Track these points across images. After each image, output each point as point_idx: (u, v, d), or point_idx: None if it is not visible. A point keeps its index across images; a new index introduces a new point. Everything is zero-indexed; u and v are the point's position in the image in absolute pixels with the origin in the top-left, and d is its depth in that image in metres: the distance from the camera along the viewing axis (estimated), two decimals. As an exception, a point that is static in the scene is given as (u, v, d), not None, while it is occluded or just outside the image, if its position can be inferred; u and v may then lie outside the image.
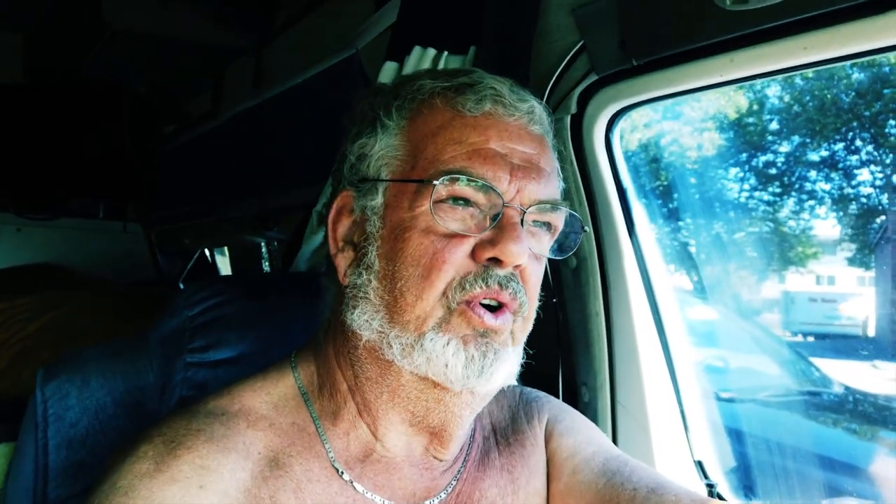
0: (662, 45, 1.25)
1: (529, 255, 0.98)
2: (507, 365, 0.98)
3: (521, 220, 0.96)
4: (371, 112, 1.05)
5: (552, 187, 1.03)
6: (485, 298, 0.95)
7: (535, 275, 1.01)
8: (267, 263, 4.16)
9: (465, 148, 0.97)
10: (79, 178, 3.66)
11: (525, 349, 1.06)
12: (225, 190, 3.10)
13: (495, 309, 0.96)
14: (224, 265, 4.65)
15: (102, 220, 4.08)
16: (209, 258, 4.57)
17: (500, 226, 0.95)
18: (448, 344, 0.93)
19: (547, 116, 1.06)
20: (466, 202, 0.96)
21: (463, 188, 0.95)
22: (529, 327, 1.03)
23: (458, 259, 0.94)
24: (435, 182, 0.94)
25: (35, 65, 3.75)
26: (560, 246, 1.09)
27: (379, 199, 1.01)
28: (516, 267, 0.97)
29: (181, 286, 4.02)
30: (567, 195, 1.39)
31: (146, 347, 1.39)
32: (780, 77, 1.18)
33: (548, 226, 1.04)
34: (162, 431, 0.92)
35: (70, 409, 1.29)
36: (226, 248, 4.53)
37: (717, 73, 1.22)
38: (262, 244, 4.06)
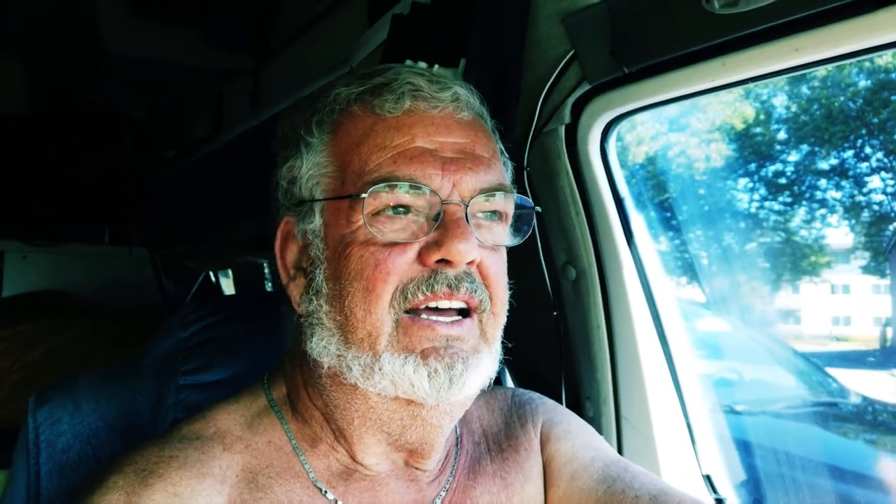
0: (653, 52, 1.23)
1: (483, 248, 0.94)
2: (482, 369, 0.94)
3: (466, 215, 0.92)
4: (293, 132, 1.01)
5: (494, 172, 0.98)
6: (431, 303, 0.91)
7: (494, 266, 0.97)
8: (270, 284, 4.16)
9: (389, 152, 0.93)
10: (81, 203, 3.69)
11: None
12: (227, 211, 3.10)
13: (466, 313, 0.93)
14: (228, 287, 4.65)
15: (108, 246, 4.09)
16: (213, 280, 4.58)
17: (442, 225, 0.91)
18: (406, 363, 0.90)
19: (474, 97, 1.02)
20: (405, 209, 0.93)
21: (394, 195, 0.91)
22: (501, 322, 0.99)
23: (401, 267, 0.91)
24: (363, 195, 0.91)
25: (37, 93, 3.79)
26: (515, 229, 1.04)
27: (317, 221, 0.97)
28: (469, 263, 0.93)
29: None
30: (523, 184, 1.31)
31: (140, 371, 1.38)
32: (780, 83, 1.17)
33: (498, 214, 0.99)
34: (133, 460, 0.90)
35: (62, 434, 1.27)
36: (229, 270, 4.54)
37: (708, 78, 1.20)
38: (265, 264, 4.07)
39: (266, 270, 4.13)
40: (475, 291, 0.92)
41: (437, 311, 0.92)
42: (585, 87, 1.39)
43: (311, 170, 0.98)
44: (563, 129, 1.47)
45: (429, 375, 0.89)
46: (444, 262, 0.91)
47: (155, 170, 3.73)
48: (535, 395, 1.23)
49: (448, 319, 0.92)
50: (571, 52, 1.38)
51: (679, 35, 1.17)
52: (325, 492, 0.96)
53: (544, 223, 1.57)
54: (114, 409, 1.32)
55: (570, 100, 1.42)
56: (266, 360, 1.22)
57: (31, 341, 2.32)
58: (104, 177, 3.65)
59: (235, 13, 2.44)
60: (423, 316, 0.91)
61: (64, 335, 2.35)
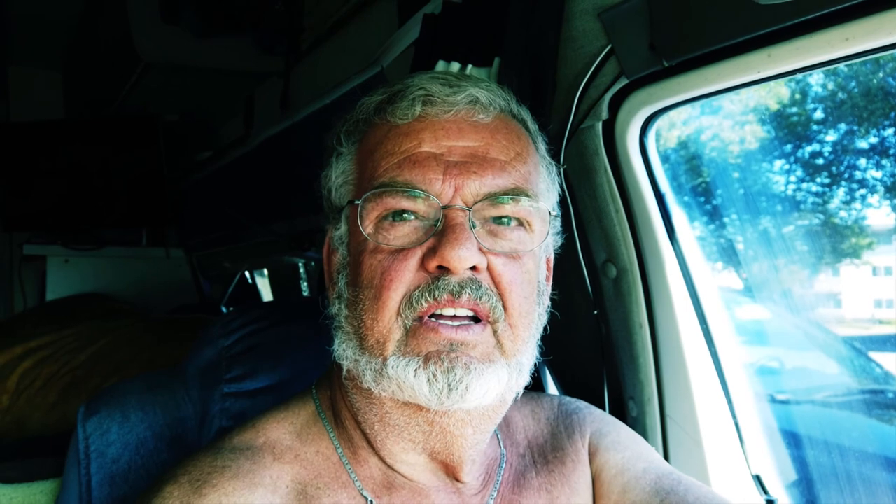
0: (694, 45, 1.20)
1: (493, 254, 0.92)
2: (491, 379, 0.90)
3: (470, 220, 0.90)
4: (330, 143, 1.04)
5: (508, 176, 0.94)
6: (437, 310, 0.89)
7: (509, 274, 0.93)
8: (306, 284, 4.18)
9: (396, 158, 0.93)
10: (119, 207, 3.75)
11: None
12: (260, 211, 3.13)
13: (477, 320, 0.91)
14: (264, 287, 4.70)
15: (146, 248, 4.16)
16: (250, 280, 4.63)
17: (441, 230, 0.90)
18: (408, 365, 0.89)
19: (502, 97, 0.99)
20: (410, 215, 0.92)
21: (393, 199, 0.91)
22: (523, 334, 0.95)
23: (405, 275, 0.90)
24: (357, 201, 0.92)
25: (74, 100, 3.87)
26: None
27: (343, 228, 1.00)
28: (474, 269, 0.90)
29: (224, 309, 4.08)
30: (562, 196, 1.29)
31: (184, 379, 1.39)
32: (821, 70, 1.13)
33: (518, 222, 0.96)
34: (187, 470, 0.91)
35: (111, 444, 1.29)
36: (265, 270, 4.58)
37: (753, 70, 1.15)
38: (301, 265, 4.09)
39: (301, 270, 4.16)
40: (480, 298, 0.89)
41: (443, 317, 0.90)
42: (623, 83, 1.36)
43: (339, 178, 1.01)
44: (600, 126, 1.44)
45: (428, 380, 0.88)
46: (445, 268, 0.89)
47: (189, 172, 3.77)
48: (583, 403, 1.21)
49: (454, 324, 0.90)
50: (608, 48, 1.35)
51: (723, 26, 1.13)
52: (371, 501, 0.96)
53: (583, 221, 1.54)
54: (160, 418, 1.34)
55: (608, 96, 1.39)
56: (312, 366, 1.22)
57: (77, 345, 2.36)
58: (140, 180, 3.71)
59: (265, 16, 2.45)
60: (430, 322, 0.90)
61: (107, 338, 2.39)
